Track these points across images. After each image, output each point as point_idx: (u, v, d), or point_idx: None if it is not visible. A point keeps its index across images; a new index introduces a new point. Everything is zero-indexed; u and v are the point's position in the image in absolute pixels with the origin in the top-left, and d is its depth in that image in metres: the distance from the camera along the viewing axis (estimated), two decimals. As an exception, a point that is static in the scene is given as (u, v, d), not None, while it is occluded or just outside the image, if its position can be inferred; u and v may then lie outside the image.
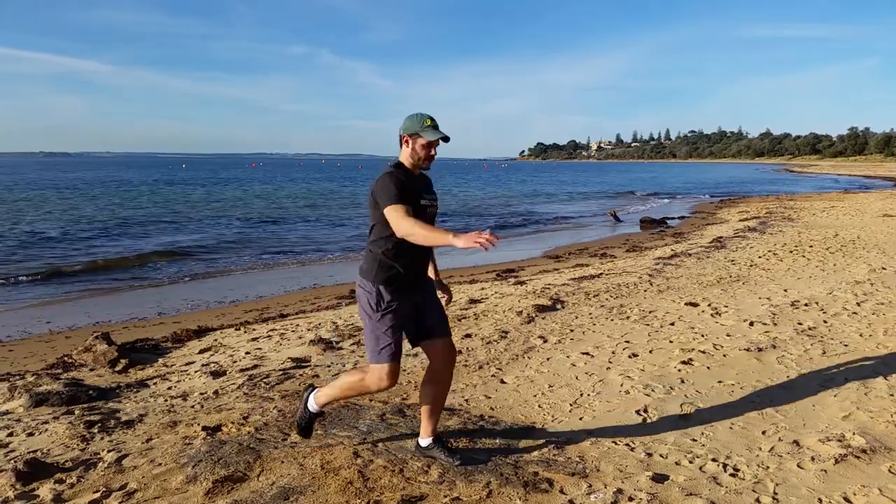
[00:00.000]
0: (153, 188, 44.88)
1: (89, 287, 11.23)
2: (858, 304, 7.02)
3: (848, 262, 10.21)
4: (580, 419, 4.15)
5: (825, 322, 6.34)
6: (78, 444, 3.82)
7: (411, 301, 3.33)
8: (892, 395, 4.22)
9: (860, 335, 5.78)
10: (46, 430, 4.09)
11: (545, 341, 6.06)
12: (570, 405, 4.41)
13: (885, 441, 3.54)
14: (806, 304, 7.16)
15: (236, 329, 7.52)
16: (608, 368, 5.19)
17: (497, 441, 3.80)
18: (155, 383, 5.25)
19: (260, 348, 6.31)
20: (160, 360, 6.15)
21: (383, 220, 3.15)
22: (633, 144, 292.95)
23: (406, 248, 3.17)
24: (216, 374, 5.35)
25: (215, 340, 6.90)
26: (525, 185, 59.41)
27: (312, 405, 3.61)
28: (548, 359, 5.52)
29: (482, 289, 9.34)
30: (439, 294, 3.61)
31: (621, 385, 4.78)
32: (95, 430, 4.03)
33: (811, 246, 12.26)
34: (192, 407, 4.49)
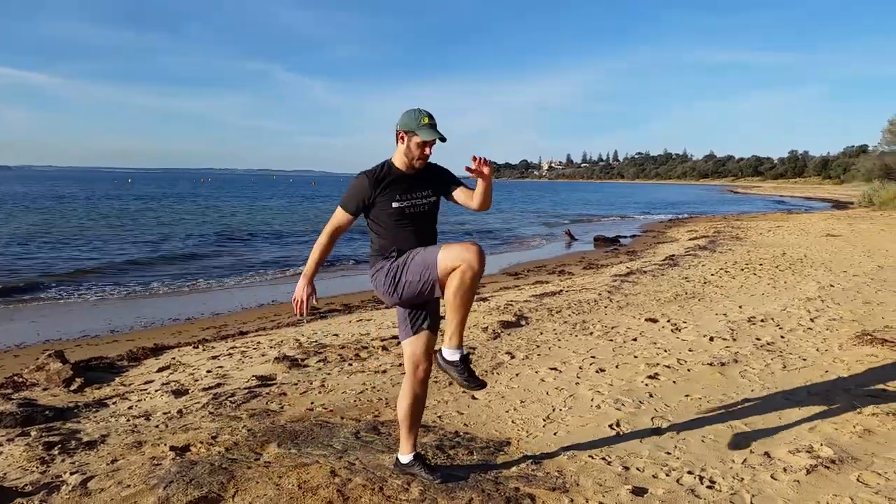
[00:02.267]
0: (95, 203, 43.49)
1: (35, 303, 10.78)
2: (812, 320, 7.24)
3: (797, 279, 10.54)
4: (554, 434, 4.16)
5: (782, 337, 6.52)
6: (37, 467, 3.65)
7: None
8: (853, 407, 4.35)
9: (817, 350, 5.96)
10: (1, 452, 3.90)
11: (513, 357, 6.07)
12: (544, 420, 4.42)
13: (851, 451, 3.65)
14: (762, 320, 7.36)
15: (194, 347, 7.33)
16: (577, 383, 5.23)
17: (475, 457, 3.78)
18: (114, 402, 5.07)
19: (221, 366, 6.15)
20: (117, 379, 5.94)
21: (370, 220, 3.33)
22: (582, 165, 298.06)
23: (402, 237, 3.26)
24: (178, 394, 5.19)
25: (173, 359, 6.70)
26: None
27: (449, 354, 3.23)
28: (517, 374, 5.53)
29: (443, 305, 9.30)
30: None
31: (592, 400, 4.81)
32: (55, 452, 3.86)
33: (761, 264, 12.62)
34: (157, 427, 4.34)
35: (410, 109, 3.24)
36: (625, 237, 22.67)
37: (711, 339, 6.56)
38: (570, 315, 8.02)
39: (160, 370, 6.19)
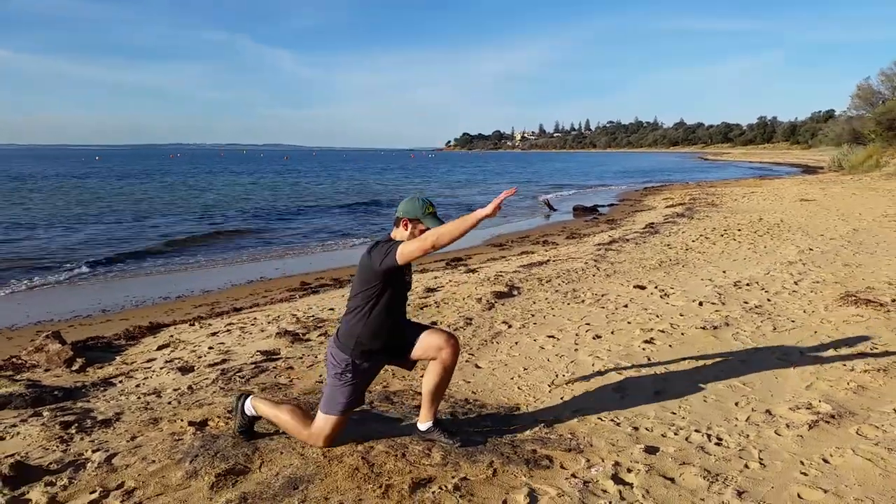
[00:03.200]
0: (63, 182, 42.57)
1: (21, 286, 10.64)
2: (796, 283, 7.46)
3: (777, 244, 10.80)
4: (561, 399, 4.29)
5: (769, 300, 6.72)
6: (58, 446, 3.68)
7: (386, 356, 3.58)
8: (844, 364, 4.55)
9: (804, 311, 6.16)
10: (18, 433, 3.92)
11: (510, 326, 6.19)
12: (549, 386, 4.55)
13: (848, 406, 3.83)
14: (748, 284, 7.56)
15: (190, 324, 7.34)
16: (576, 350, 5.37)
17: (489, 423, 3.90)
18: (121, 381, 5.10)
19: (223, 343, 6.19)
20: (118, 358, 5.96)
21: (370, 286, 3.37)
22: (555, 135, 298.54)
23: (385, 317, 3.40)
24: (184, 370, 5.23)
25: (171, 336, 6.72)
26: (455, 174, 59.76)
27: (250, 409, 3.63)
28: (516, 343, 5.65)
29: (435, 277, 9.41)
30: None
31: (592, 365, 4.95)
32: (73, 431, 3.89)
33: (739, 230, 12.88)
34: (170, 403, 4.39)
35: (412, 198, 3.45)
36: (603, 206, 22.91)
37: (701, 303, 6.74)
38: (560, 284, 8.16)
39: (160, 348, 6.21)
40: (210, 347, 6.03)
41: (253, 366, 5.22)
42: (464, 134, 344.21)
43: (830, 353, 4.84)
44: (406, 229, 3.37)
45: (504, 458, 3.35)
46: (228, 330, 6.77)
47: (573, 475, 3.18)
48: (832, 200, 18.09)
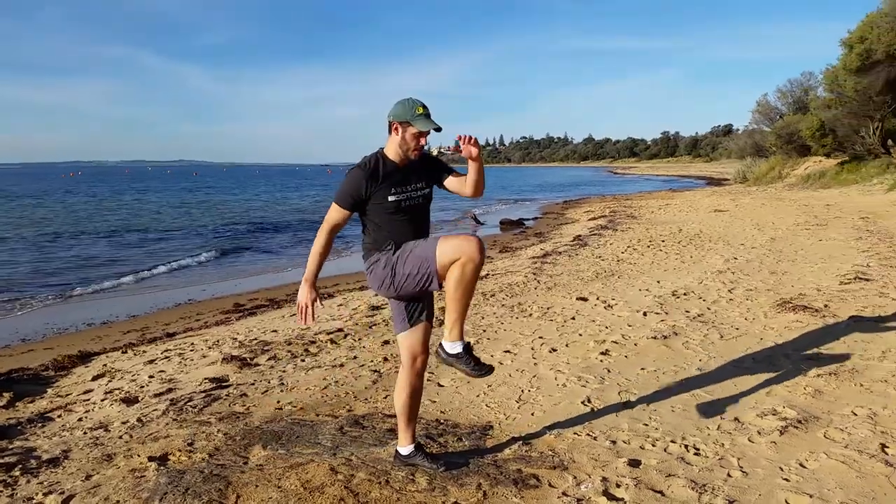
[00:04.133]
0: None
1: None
2: (730, 291, 7.75)
3: (702, 254, 11.22)
4: (532, 415, 4.27)
5: (709, 309, 6.95)
6: (2, 490, 3.37)
7: None
8: (797, 370, 4.73)
9: (745, 319, 6.40)
10: (-48, 479, 3.56)
11: (463, 343, 6.13)
12: (516, 402, 4.52)
13: (811, 411, 3.97)
14: (685, 294, 7.79)
15: (123, 352, 6.94)
16: (535, 364, 5.37)
17: (465, 443, 3.83)
18: (59, 416, 4.74)
19: (163, 371, 5.86)
20: (50, 391, 5.54)
21: (364, 214, 3.25)
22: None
23: (399, 230, 3.22)
24: (129, 402, 4.91)
25: (105, 365, 6.32)
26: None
27: (451, 347, 3.30)
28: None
29: (375, 295, 9.26)
30: None
31: (555, 379, 4.96)
32: (17, 473, 3.59)
33: (663, 241, 13.32)
34: (121, 437, 4.11)
35: (403, 99, 3.18)
36: (528, 220, 23.29)
37: (645, 314, 6.89)
38: (504, 298, 8.19)
39: (96, 378, 5.83)
40: (151, 376, 5.70)
41: (203, 394, 4.96)
42: (380, 149, 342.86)
43: (781, 359, 5.02)
44: (397, 133, 3.15)
45: (491, 480, 3.28)
46: (167, 357, 6.43)
47: (564, 493, 3.15)
48: (744, 211, 19.01)
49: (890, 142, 23.96)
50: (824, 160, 28.12)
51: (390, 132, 3.20)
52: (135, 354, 6.75)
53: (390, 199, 3.18)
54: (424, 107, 3.15)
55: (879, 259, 9.10)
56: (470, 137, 3.11)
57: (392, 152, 3.22)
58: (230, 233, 22.32)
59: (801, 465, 3.30)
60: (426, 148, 3.27)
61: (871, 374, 4.52)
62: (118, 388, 5.36)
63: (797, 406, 4.04)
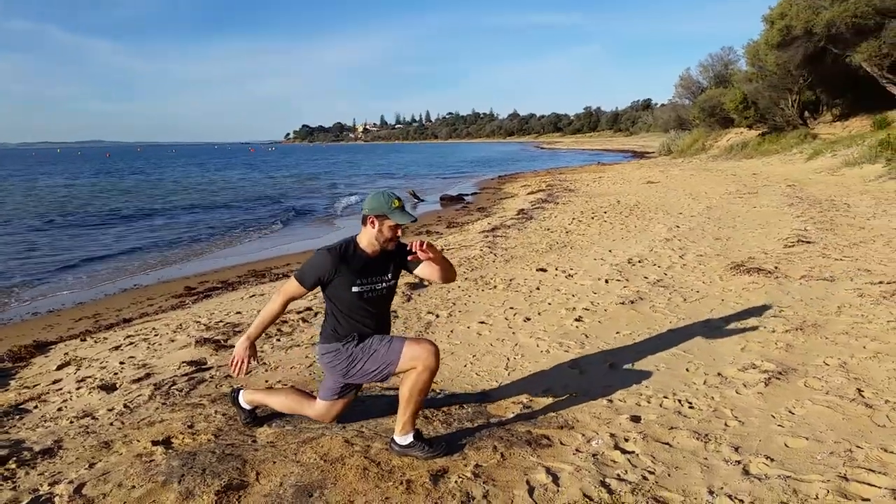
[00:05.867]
0: None
1: None
2: (682, 258, 8.09)
3: (645, 223, 11.62)
4: (524, 380, 4.40)
5: (666, 274, 7.24)
6: (3, 484, 3.24)
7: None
8: (764, 326, 5.02)
9: (702, 282, 6.71)
10: (-59, 476, 3.40)
11: (437, 316, 6.21)
12: (505, 370, 4.64)
13: (787, 363, 4.24)
14: (640, 261, 8.09)
15: (81, 340, 6.69)
16: (514, 333, 5.50)
17: (468, 409, 3.91)
18: (35, 407, 4.55)
19: (133, 357, 5.70)
20: (14, 383, 5.31)
21: (327, 296, 3.40)
22: (397, 126, 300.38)
23: (360, 321, 3.37)
24: (108, 389, 4.76)
25: (66, 354, 6.08)
26: (310, 167, 58.23)
27: (245, 404, 3.79)
28: (452, 331, 5.68)
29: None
30: None
31: (537, 346, 5.11)
32: (13, 466, 3.44)
33: (605, 212, 13.70)
34: (112, 424, 3.99)
35: (376, 193, 3.31)
36: (467, 195, 23.45)
37: (606, 281, 7.13)
38: (465, 272, 8.28)
39: (60, 367, 5.60)
40: (122, 362, 5.53)
41: (186, 378, 4.86)
42: (304, 126, 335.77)
43: (747, 317, 5.32)
44: (373, 227, 3.26)
45: (505, 442, 3.39)
46: (132, 343, 6.24)
47: (577, 450, 3.28)
48: (675, 182, 19.71)
49: (806, 113, 25.23)
50: (746, 131, 29.37)
51: (364, 224, 3.31)
52: (95, 342, 6.52)
53: (353, 289, 3.31)
54: (400, 200, 3.31)
55: (815, 223, 9.66)
56: (421, 243, 3.22)
57: (366, 243, 3.32)
58: (167, 216, 21.59)
59: (790, 411, 3.54)
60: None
61: (832, 327, 4.85)
62: (90, 377, 5.19)
63: (773, 360, 4.31)
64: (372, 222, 3.26)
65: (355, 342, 3.34)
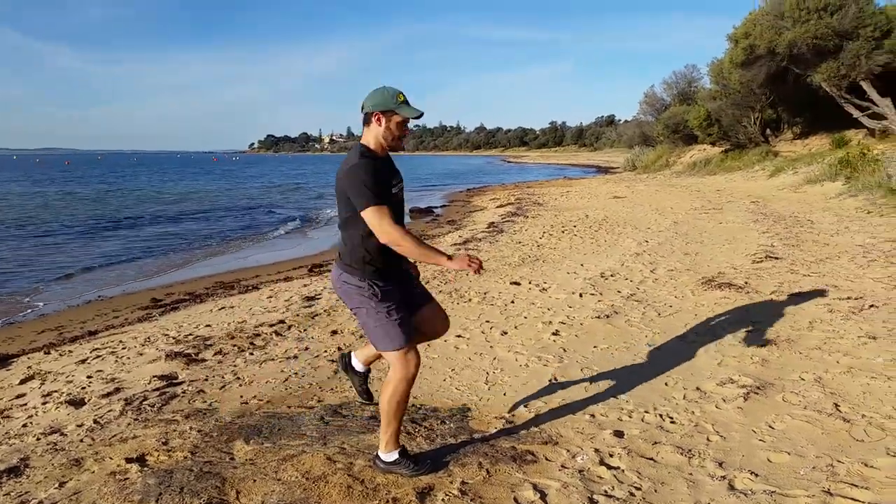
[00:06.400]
0: None
1: None
2: (653, 272, 8.17)
3: (614, 238, 11.73)
4: (504, 395, 4.38)
5: (639, 289, 7.30)
6: (-31, 506, 3.11)
7: (399, 281, 3.22)
8: (738, 342, 5.08)
9: (675, 297, 6.78)
10: None
11: (413, 329, 6.16)
12: (485, 384, 4.61)
13: (763, 378, 4.29)
14: (612, 275, 8.15)
15: (45, 353, 6.48)
16: (492, 347, 5.48)
17: (450, 425, 3.87)
18: (-1, 423, 4.39)
19: (101, 370, 5.54)
20: (-27, 398, 5.11)
21: (354, 210, 2.97)
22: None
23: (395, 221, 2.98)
24: (76, 404, 4.62)
25: (30, 367, 5.89)
26: (277, 177, 57.61)
27: (359, 365, 3.61)
28: (429, 345, 5.59)
29: (305, 285, 9.11)
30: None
31: (516, 360, 5.10)
32: (-23, 486, 3.30)
33: (575, 226, 13.80)
34: (82, 441, 3.87)
35: (379, 88, 3.04)
36: (437, 207, 23.46)
37: (581, 295, 7.16)
38: (439, 285, 8.25)
39: (24, 381, 5.41)
40: (89, 376, 5.37)
41: (157, 392, 4.74)
42: (268, 136, 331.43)
43: (721, 332, 5.38)
44: (380, 124, 3.00)
45: (490, 459, 3.36)
46: (99, 356, 6.06)
47: (563, 466, 3.27)
48: (641, 197, 19.97)
49: (768, 131, 25.83)
50: (709, 148, 29.93)
51: (369, 123, 3.04)
52: (60, 355, 6.32)
53: (393, 190, 3.07)
54: (403, 94, 3.04)
55: (780, 239, 9.85)
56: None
57: (374, 143, 3.05)
58: (131, 226, 21.15)
59: (770, 426, 3.58)
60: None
61: (805, 342, 4.93)
62: (56, 391, 5.02)
63: (750, 374, 4.36)
64: (378, 119, 3.00)
65: (378, 296, 3.04)
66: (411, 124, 3.16)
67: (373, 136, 3.05)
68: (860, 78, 19.03)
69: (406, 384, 3.08)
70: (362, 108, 3.06)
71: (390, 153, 3.19)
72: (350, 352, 3.69)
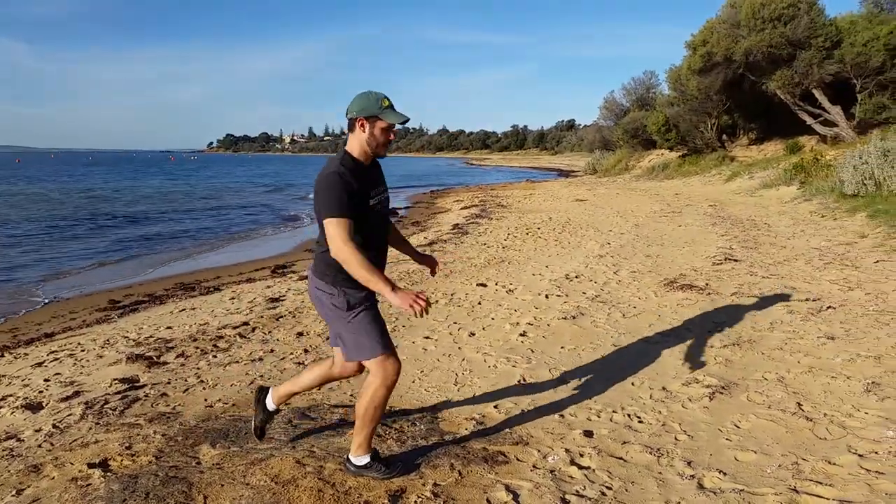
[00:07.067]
0: None
1: None
2: (616, 273, 8.28)
3: (577, 240, 11.85)
4: (474, 396, 4.38)
5: (603, 290, 7.39)
6: (-80, 516, 2.99)
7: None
8: (702, 342, 5.17)
9: (639, 298, 6.87)
10: None
11: (380, 331, 6.12)
12: (454, 385, 4.61)
13: (727, 378, 4.37)
14: (577, 277, 8.22)
15: (0, 356, 6.27)
16: (460, 348, 5.48)
17: (421, 427, 3.85)
18: (-49, 429, 4.22)
19: (59, 374, 5.38)
20: (-76, 403, 4.91)
21: None
22: (326, 138, 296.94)
23: (364, 246, 2.87)
24: (33, 408, 4.48)
25: (-17, 371, 5.69)
26: (224, 177, 56.77)
27: (272, 405, 3.54)
28: (396, 346, 5.59)
29: (268, 287, 9.00)
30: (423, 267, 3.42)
31: (484, 361, 5.10)
32: (-71, 495, 3.17)
33: (539, 228, 13.90)
34: (40, 446, 3.75)
35: (363, 93, 2.98)
36: (400, 209, 23.39)
37: (547, 296, 7.21)
38: (406, 286, 8.22)
39: (-24, 386, 5.23)
40: (46, 380, 5.21)
41: (119, 396, 4.62)
42: (227, 135, 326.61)
43: (684, 332, 5.47)
44: (364, 130, 2.94)
45: (462, 460, 3.35)
46: (56, 359, 5.90)
47: (534, 466, 3.28)
48: (602, 200, 20.23)
49: (724, 136, 26.40)
50: (667, 153, 30.48)
51: (353, 129, 2.99)
52: (15, 358, 6.13)
53: (371, 202, 3.01)
54: (389, 99, 2.98)
55: (739, 242, 10.07)
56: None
57: (358, 150, 3.00)
58: (88, 226, 20.61)
59: (736, 425, 3.65)
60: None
61: (766, 343, 5.04)
62: (11, 395, 4.86)
63: (715, 374, 4.44)
64: (362, 125, 2.94)
65: (347, 305, 2.99)
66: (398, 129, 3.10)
67: (357, 142, 3.00)
68: (812, 86, 19.62)
69: (385, 390, 3.03)
70: (347, 114, 3.01)
71: (377, 159, 3.14)
72: (269, 388, 3.59)
